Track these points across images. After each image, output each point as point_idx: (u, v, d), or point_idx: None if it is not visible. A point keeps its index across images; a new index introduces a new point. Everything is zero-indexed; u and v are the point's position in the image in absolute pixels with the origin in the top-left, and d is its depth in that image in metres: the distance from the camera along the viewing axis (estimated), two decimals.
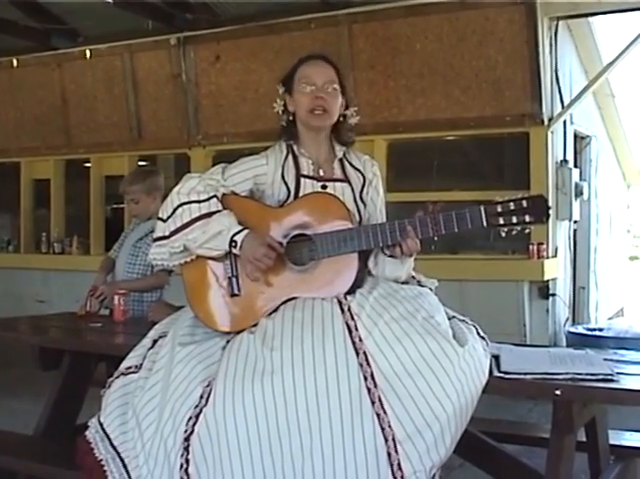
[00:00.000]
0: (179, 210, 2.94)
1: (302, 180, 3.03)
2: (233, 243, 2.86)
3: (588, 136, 8.96)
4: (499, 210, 2.81)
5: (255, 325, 2.81)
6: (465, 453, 3.27)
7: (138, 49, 8.63)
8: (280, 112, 3.12)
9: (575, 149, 8.34)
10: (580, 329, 7.58)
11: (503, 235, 2.85)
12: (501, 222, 2.81)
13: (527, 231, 2.92)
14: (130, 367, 2.96)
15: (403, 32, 7.34)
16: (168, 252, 2.98)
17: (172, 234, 2.94)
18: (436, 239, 2.89)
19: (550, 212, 2.85)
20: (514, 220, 2.81)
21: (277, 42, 7.81)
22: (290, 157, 3.07)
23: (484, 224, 2.82)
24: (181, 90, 8.46)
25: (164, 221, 2.97)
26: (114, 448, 2.82)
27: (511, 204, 2.81)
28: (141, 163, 9.18)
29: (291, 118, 3.10)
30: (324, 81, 3.03)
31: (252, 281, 2.91)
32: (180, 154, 8.77)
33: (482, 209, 2.81)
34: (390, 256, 2.94)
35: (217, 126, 8.41)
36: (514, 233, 2.85)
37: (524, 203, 2.80)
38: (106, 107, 8.97)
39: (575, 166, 8.03)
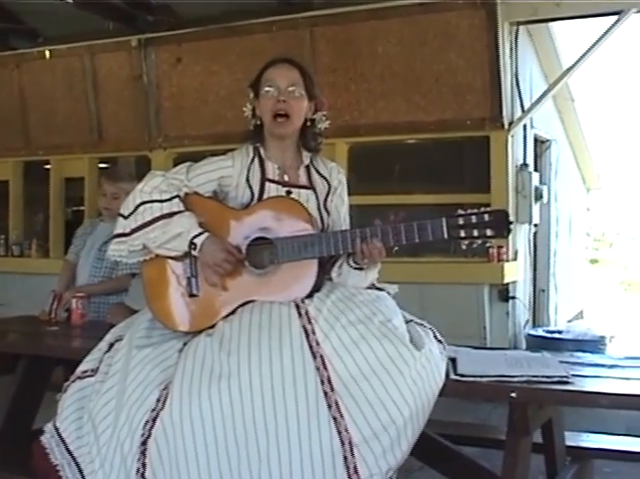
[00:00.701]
0: (141, 208, 2.93)
1: (267, 184, 3.02)
2: (193, 246, 2.86)
3: (548, 140, 9.04)
4: (461, 222, 2.82)
5: (213, 327, 2.81)
6: (422, 455, 3.30)
7: (98, 50, 8.55)
8: (250, 116, 3.11)
9: (535, 152, 8.41)
10: (540, 332, 7.65)
11: (464, 247, 2.86)
12: (463, 234, 2.82)
13: (488, 244, 2.94)
14: (86, 371, 2.95)
15: (364, 35, 7.35)
16: (127, 250, 2.97)
17: (133, 231, 2.93)
18: (396, 248, 2.90)
19: (512, 226, 2.87)
20: (476, 233, 2.82)
21: (239, 44, 7.78)
22: (256, 160, 3.05)
23: (446, 236, 2.83)
24: (142, 92, 8.41)
25: (126, 217, 2.96)
26: (69, 453, 2.81)
27: (473, 217, 2.82)
28: (101, 165, 9.11)
29: (259, 122, 3.08)
30: (287, 84, 3.01)
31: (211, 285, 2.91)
32: (141, 156, 8.71)
33: (444, 221, 2.82)
34: (355, 268, 2.95)
35: (178, 128, 8.37)
36: (475, 246, 2.86)
37: (486, 216, 2.82)
38: (66, 108, 8.88)
39: (535, 169, 8.10)
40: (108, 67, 8.60)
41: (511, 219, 2.85)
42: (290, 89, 3.01)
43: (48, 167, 9.25)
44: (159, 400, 2.62)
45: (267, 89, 3.01)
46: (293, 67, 3.06)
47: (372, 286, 3.01)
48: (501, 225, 2.82)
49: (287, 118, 3.00)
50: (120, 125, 8.66)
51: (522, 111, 7.43)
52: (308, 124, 3.11)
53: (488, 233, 2.82)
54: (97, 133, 8.78)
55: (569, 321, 10.07)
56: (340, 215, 3.14)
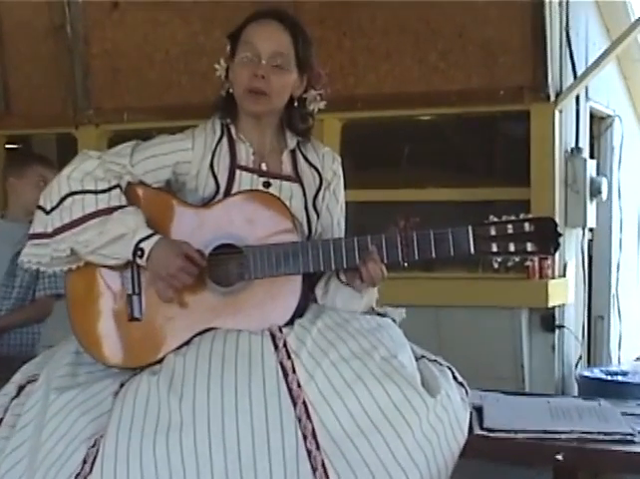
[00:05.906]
0: (69, 200, 2.92)
1: (237, 172, 3.04)
2: (139, 252, 2.86)
3: (610, 116, 9.04)
4: (493, 233, 2.84)
5: (160, 362, 2.82)
6: None
7: None
8: (222, 77, 3.12)
9: (592, 133, 8.42)
10: (597, 373, 7.64)
11: (496, 266, 2.88)
12: (495, 249, 2.85)
13: (528, 263, 2.94)
14: None
15: None
16: (50, 256, 2.95)
17: (57, 231, 2.92)
18: (405, 264, 2.90)
19: (561, 240, 2.87)
20: (512, 247, 2.84)
21: None
22: (225, 140, 3.08)
23: (472, 250, 2.85)
24: (65, 48, 8.38)
25: (48, 212, 2.95)
26: None
27: (510, 226, 2.84)
28: (8, 146, 9.10)
29: (231, 90, 3.10)
30: (271, 51, 3.01)
31: (161, 303, 2.91)
32: (64, 134, 8.71)
33: (471, 230, 2.84)
34: (347, 285, 2.96)
35: (115, 98, 8.34)
36: (511, 264, 2.88)
37: (527, 226, 2.84)
38: None
39: (592, 156, 8.10)
40: (18, 15, 8.56)
41: (559, 223, 2.87)
42: (273, 58, 3.01)
43: None
44: (85, 461, 2.62)
45: (244, 54, 3.01)
46: (284, 27, 3.05)
47: (371, 311, 3.03)
48: (547, 237, 2.84)
49: (264, 95, 3.01)
50: (34, 92, 8.64)
51: (575, 77, 7.44)
52: (296, 103, 3.13)
53: (529, 247, 2.84)
54: (3, 103, 8.77)
55: (638, 360, 10.09)
56: (333, 218, 3.18)
